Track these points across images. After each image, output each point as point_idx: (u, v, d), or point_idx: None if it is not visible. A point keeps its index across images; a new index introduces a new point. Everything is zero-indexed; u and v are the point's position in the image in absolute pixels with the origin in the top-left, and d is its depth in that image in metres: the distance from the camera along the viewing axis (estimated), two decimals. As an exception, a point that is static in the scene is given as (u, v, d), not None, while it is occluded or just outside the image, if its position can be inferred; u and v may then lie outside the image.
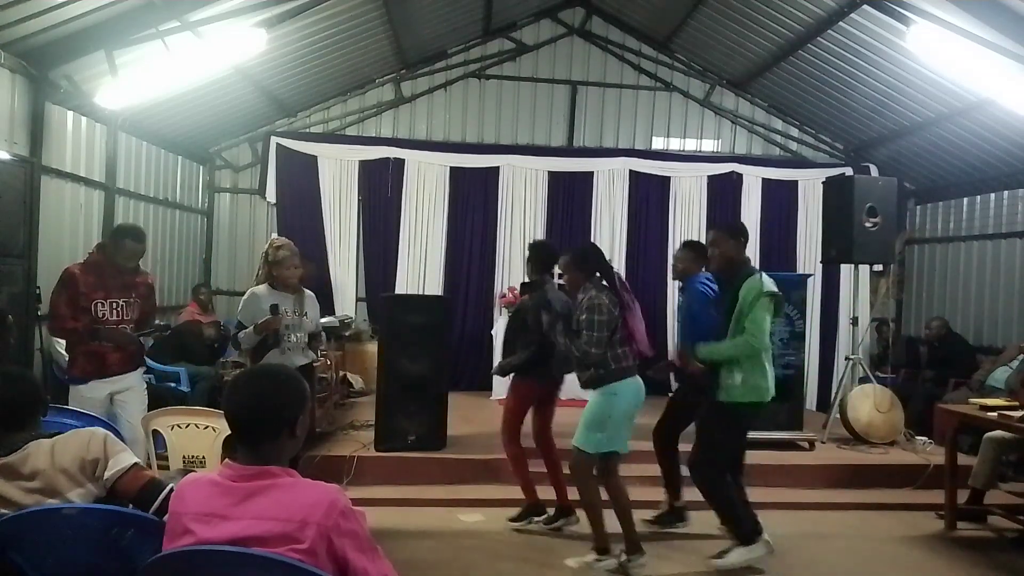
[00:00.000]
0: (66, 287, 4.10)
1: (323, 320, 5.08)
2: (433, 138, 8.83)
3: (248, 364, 4.56)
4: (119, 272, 4.19)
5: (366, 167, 8.48)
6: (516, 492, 4.58)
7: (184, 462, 3.68)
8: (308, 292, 4.58)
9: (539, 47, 8.96)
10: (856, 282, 7.47)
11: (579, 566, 3.93)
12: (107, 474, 2.17)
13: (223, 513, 1.68)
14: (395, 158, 8.48)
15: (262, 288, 4.42)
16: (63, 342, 5.44)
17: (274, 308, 4.21)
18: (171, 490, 2.10)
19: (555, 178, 8.68)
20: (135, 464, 2.22)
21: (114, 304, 4.16)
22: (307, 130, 8.72)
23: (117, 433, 2.63)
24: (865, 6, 6.11)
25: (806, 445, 6.10)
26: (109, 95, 5.59)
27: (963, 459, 5.12)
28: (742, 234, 4.01)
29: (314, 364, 4.69)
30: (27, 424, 2.24)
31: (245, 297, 4.43)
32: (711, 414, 4.03)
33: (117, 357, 4.20)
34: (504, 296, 8.11)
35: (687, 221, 8.72)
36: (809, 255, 8.69)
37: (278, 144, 8.38)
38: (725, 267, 3.95)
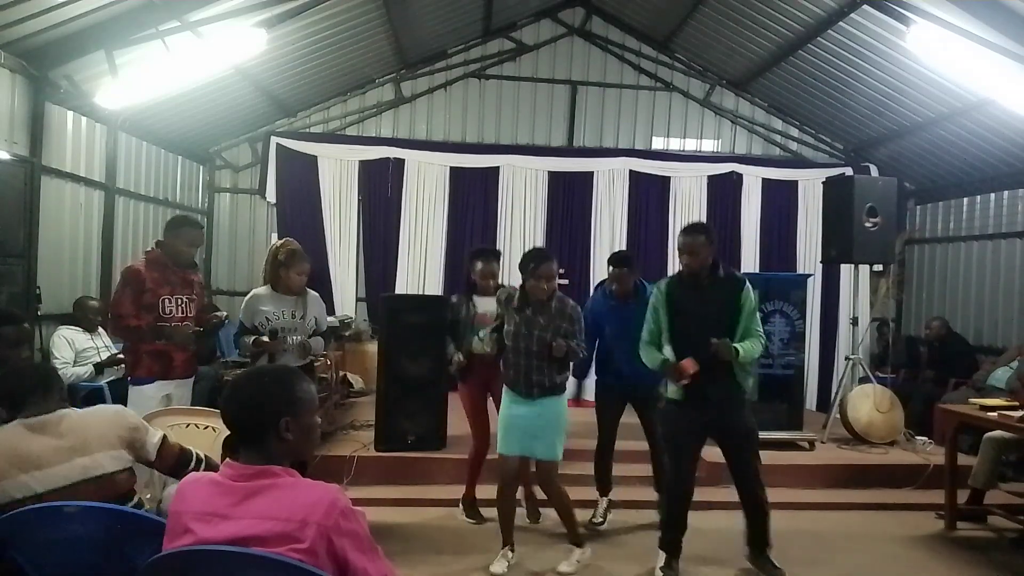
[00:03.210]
0: (129, 284, 4.08)
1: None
2: (433, 138, 8.83)
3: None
4: (179, 269, 4.23)
5: (366, 167, 8.48)
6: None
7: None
8: (312, 293, 4.57)
9: (539, 47, 8.96)
10: (856, 282, 7.47)
11: (574, 568, 4.00)
12: (152, 440, 2.41)
13: (223, 512, 1.68)
14: (395, 158, 8.48)
15: (263, 290, 4.44)
16: (63, 343, 5.49)
17: (273, 333, 4.23)
18: (198, 459, 2.49)
19: (555, 178, 8.68)
20: (164, 435, 2.49)
21: (179, 301, 4.18)
22: (307, 130, 8.72)
23: None
24: (865, 6, 6.11)
25: (806, 445, 6.10)
26: (109, 95, 5.59)
27: (963, 459, 5.12)
28: (715, 240, 4.00)
29: (314, 364, 4.68)
30: (55, 390, 2.43)
31: (246, 298, 4.45)
32: (749, 415, 3.98)
33: (182, 358, 4.22)
34: None
35: (687, 221, 8.63)
36: (809, 255, 8.69)
37: (278, 144, 8.38)
38: (700, 271, 3.91)
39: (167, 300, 4.13)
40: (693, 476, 3.98)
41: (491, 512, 4.68)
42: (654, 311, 3.98)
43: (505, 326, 4.02)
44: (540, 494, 4.41)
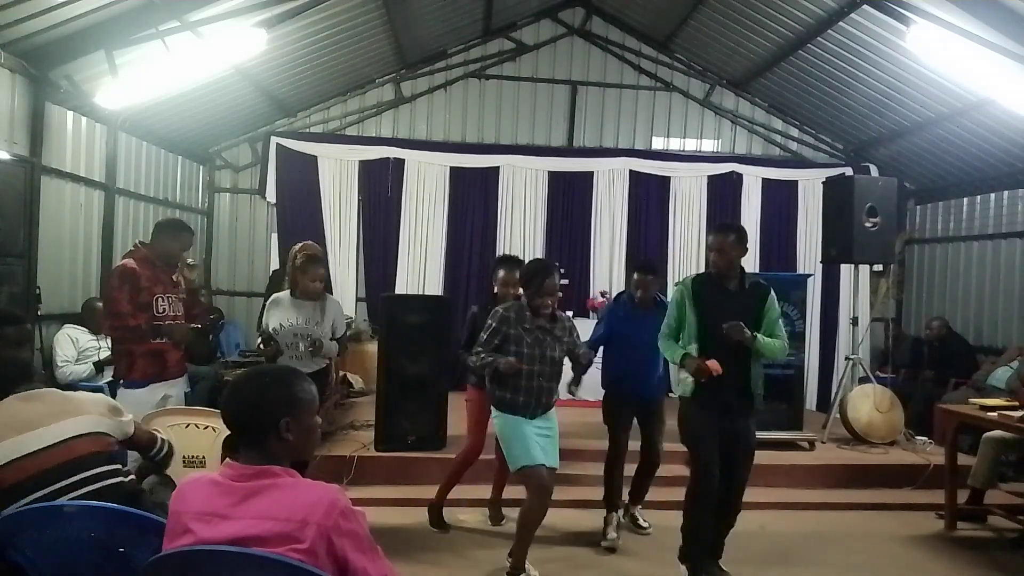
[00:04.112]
0: (126, 282, 3.97)
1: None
2: (433, 138, 8.83)
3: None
4: (164, 268, 4.16)
5: (366, 167, 8.49)
6: (515, 492, 4.58)
7: (184, 462, 3.68)
8: (332, 298, 4.55)
9: (539, 47, 8.96)
10: (856, 282, 7.46)
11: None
12: (127, 419, 2.60)
13: (223, 513, 1.68)
14: (395, 158, 8.49)
15: (283, 295, 4.42)
16: (66, 340, 5.49)
17: (267, 339, 4.21)
18: (163, 442, 2.83)
19: (555, 178, 8.69)
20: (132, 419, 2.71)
21: (170, 299, 4.12)
22: (307, 130, 8.72)
23: None
24: (865, 6, 6.11)
25: (806, 445, 6.11)
26: (109, 95, 5.59)
27: (963, 459, 5.12)
28: (747, 244, 3.94)
29: (327, 368, 4.62)
30: (36, 381, 2.60)
31: (267, 303, 4.46)
32: (750, 423, 3.92)
33: (176, 357, 4.16)
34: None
35: (687, 221, 8.72)
36: (809, 255, 8.70)
37: (278, 144, 8.39)
38: (726, 272, 3.88)
39: (160, 299, 4.07)
40: (718, 478, 3.82)
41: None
42: (677, 306, 3.93)
43: (513, 347, 3.76)
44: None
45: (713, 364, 3.69)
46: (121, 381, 4.10)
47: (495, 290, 4.56)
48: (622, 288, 7.96)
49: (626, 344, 4.63)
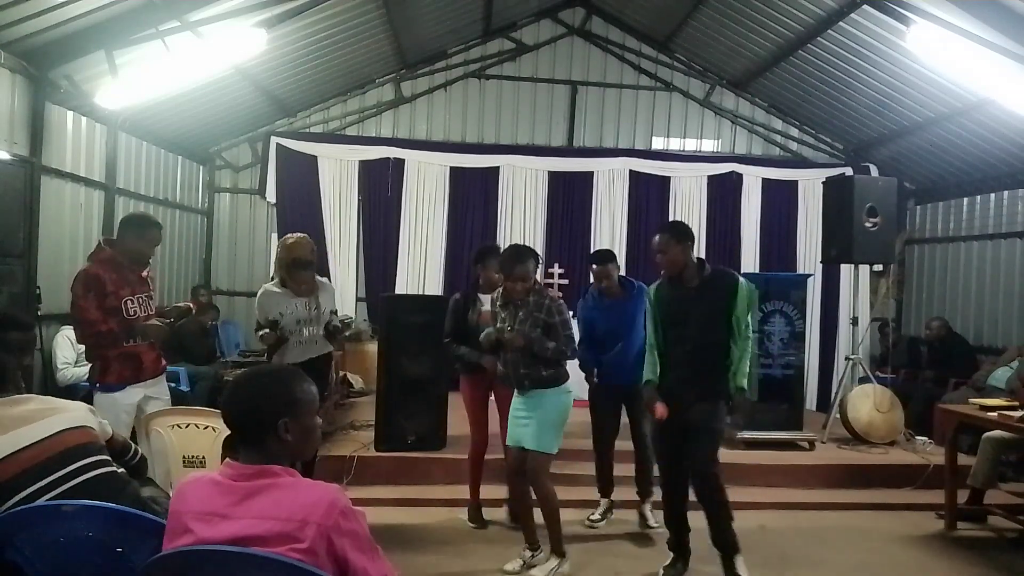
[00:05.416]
0: (91, 289, 3.82)
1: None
2: (433, 138, 8.84)
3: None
4: (133, 267, 4.00)
5: (366, 167, 8.49)
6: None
7: (184, 462, 3.67)
8: (324, 282, 4.57)
9: (539, 47, 8.97)
10: (856, 282, 7.47)
11: (519, 569, 3.94)
12: (105, 421, 2.60)
13: (223, 512, 1.68)
14: (395, 158, 8.49)
15: (273, 286, 4.40)
16: (65, 342, 5.48)
17: (272, 324, 4.20)
18: (137, 448, 2.87)
19: (555, 178, 8.69)
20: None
21: (140, 300, 3.96)
22: (307, 130, 8.72)
23: None
24: (865, 6, 6.11)
25: (806, 445, 6.11)
26: (109, 95, 5.59)
27: (963, 459, 5.12)
28: (688, 237, 3.87)
29: (333, 353, 4.61)
30: (12, 383, 2.54)
31: (258, 295, 4.44)
32: (715, 414, 3.85)
33: (152, 357, 4.03)
34: None
35: (687, 221, 8.66)
36: (809, 255, 8.70)
37: (278, 144, 8.39)
38: (675, 272, 3.87)
39: (129, 301, 3.90)
40: (682, 473, 3.88)
41: (492, 515, 4.74)
42: (650, 316, 3.98)
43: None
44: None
45: (660, 410, 3.79)
46: (96, 384, 3.95)
47: (479, 282, 4.63)
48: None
49: (600, 334, 4.68)
